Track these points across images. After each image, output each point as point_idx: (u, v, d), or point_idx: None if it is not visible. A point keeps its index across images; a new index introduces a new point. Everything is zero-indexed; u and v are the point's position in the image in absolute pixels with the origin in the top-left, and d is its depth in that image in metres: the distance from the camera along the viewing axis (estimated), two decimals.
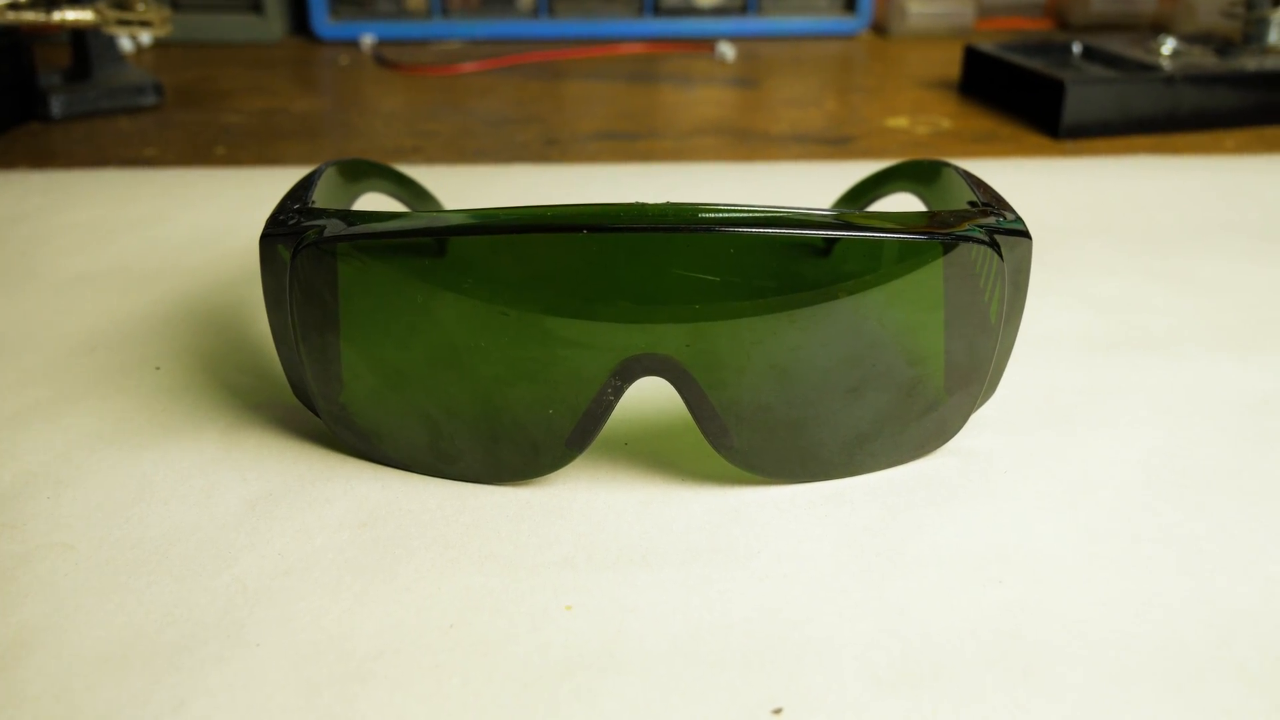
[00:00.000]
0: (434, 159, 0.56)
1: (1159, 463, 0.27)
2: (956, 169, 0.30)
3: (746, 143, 0.60)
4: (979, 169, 0.49)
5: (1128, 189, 0.50)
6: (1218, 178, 0.52)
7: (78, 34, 0.66)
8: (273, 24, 0.91)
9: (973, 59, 0.72)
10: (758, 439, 0.25)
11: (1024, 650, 0.21)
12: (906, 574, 0.23)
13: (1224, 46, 0.68)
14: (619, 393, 0.24)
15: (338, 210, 0.26)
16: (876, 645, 0.21)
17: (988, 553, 0.24)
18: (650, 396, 0.29)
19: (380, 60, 0.83)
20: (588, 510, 0.25)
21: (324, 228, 0.25)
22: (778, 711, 0.19)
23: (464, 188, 0.50)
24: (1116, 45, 0.69)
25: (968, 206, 0.27)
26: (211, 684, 0.20)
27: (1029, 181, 0.51)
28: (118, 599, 0.22)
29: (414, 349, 0.25)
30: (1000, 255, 0.25)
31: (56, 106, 0.63)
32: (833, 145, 0.59)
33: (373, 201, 0.38)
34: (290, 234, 0.25)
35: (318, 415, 0.27)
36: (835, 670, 0.20)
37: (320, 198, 0.28)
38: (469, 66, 0.80)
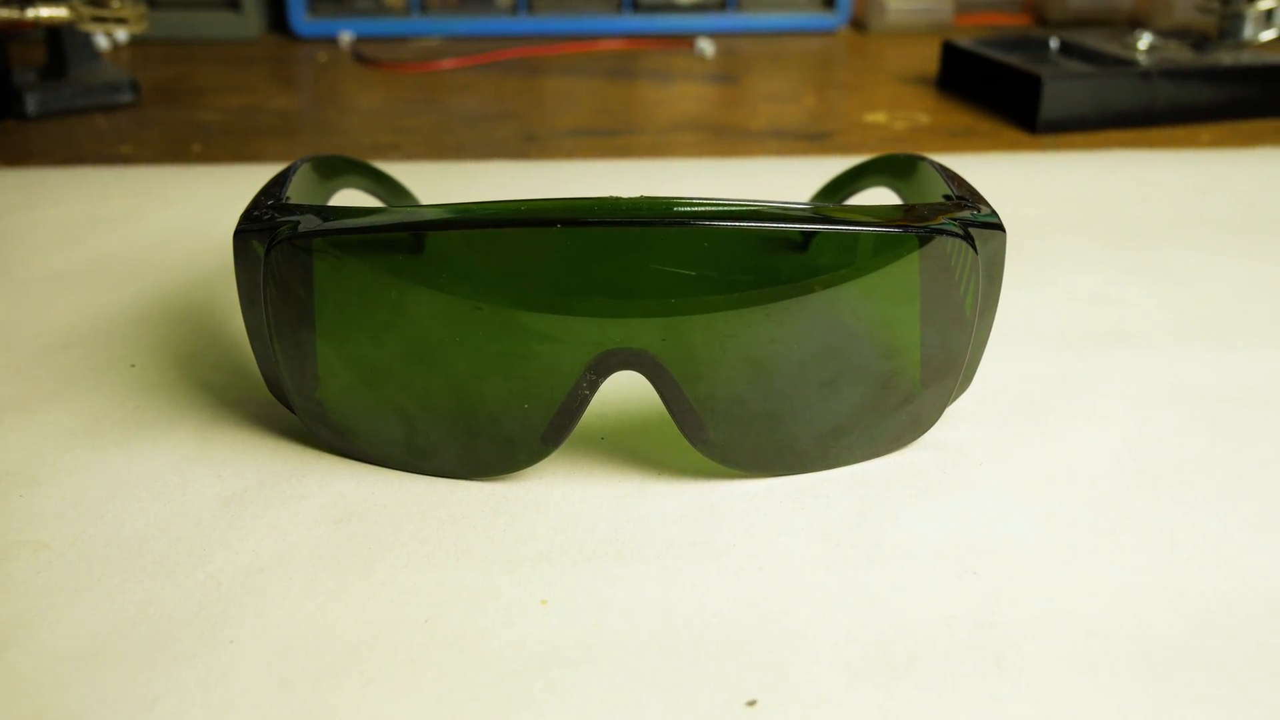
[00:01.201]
0: (412, 156, 0.56)
1: (1133, 454, 0.27)
2: (932, 163, 0.30)
3: (725, 138, 0.60)
4: (957, 164, 0.50)
5: (1104, 183, 0.51)
6: (1193, 171, 0.52)
7: (53, 31, 0.65)
8: (250, 21, 0.90)
9: (951, 55, 0.72)
10: (733, 433, 0.25)
11: (998, 640, 0.21)
12: (882, 566, 0.23)
13: (1200, 41, 0.69)
14: (594, 387, 0.24)
15: (312, 206, 0.26)
16: (851, 637, 0.21)
17: (963, 544, 0.24)
18: (626, 391, 0.29)
19: (358, 57, 0.83)
20: (563, 505, 0.25)
21: (298, 223, 0.24)
22: (752, 704, 0.19)
23: (442, 184, 0.50)
24: (1093, 40, 0.69)
25: (943, 200, 0.27)
26: (185, 681, 0.20)
27: (1006, 176, 0.52)
28: (91, 596, 0.22)
29: (389, 344, 0.25)
30: (974, 248, 0.25)
31: (31, 104, 0.63)
32: (811, 141, 0.59)
33: (349, 198, 0.38)
34: (264, 229, 0.25)
35: (293, 411, 0.27)
36: (810, 662, 0.20)
37: (295, 194, 0.28)
38: (448, 63, 0.80)
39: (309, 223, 0.24)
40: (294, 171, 0.29)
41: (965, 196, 0.27)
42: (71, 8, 0.61)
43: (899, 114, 0.65)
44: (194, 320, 0.35)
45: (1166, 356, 0.33)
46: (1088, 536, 0.24)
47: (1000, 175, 0.52)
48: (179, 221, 0.45)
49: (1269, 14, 0.69)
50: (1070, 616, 0.22)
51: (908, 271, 0.25)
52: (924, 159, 0.31)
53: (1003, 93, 0.65)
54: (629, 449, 0.27)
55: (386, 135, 0.60)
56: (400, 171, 0.48)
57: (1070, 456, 0.27)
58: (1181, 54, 0.65)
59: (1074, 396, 0.30)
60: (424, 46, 0.89)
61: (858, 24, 0.99)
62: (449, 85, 0.74)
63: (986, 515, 0.25)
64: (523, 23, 0.93)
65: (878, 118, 0.65)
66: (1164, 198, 0.48)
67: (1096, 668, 0.20)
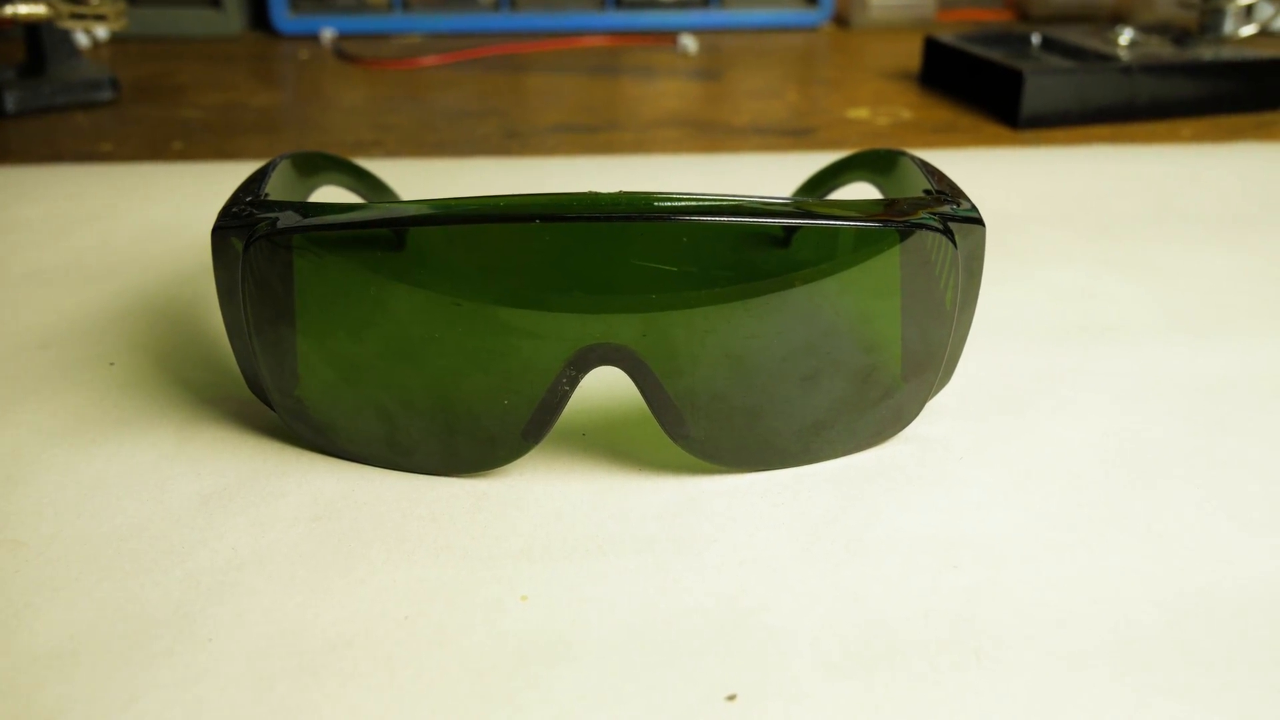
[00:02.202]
0: (394, 152, 0.56)
1: (1113, 446, 0.28)
2: (913, 158, 0.30)
3: (708, 134, 0.60)
4: (939, 159, 0.50)
5: (1086, 178, 0.51)
6: (1174, 166, 0.53)
7: (31, 28, 0.65)
8: (231, 18, 0.90)
9: (933, 50, 0.72)
10: (714, 428, 0.25)
11: (977, 634, 0.21)
12: (862, 560, 0.23)
13: (1181, 36, 0.69)
14: (574, 383, 0.24)
15: (291, 202, 0.25)
16: (831, 631, 0.21)
17: (943, 538, 0.24)
18: (607, 387, 0.29)
19: (340, 54, 0.83)
20: (544, 501, 0.25)
21: (277, 219, 0.24)
22: (732, 698, 0.19)
23: (424, 181, 0.50)
24: (1075, 36, 0.69)
25: (923, 195, 0.27)
26: (163, 679, 0.20)
27: (988, 171, 0.52)
28: (69, 595, 0.22)
29: (369, 341, 0.25)
30: (954, 242, 0.25)
31: (10, 102, 0.62)
32: (793, 136, 0.60)
33: (330, 195, 0.38)
34: (242, 226, 0.25)
35: (273, 409, 0.27)
36: (790, 657, 0.20)
37: (274, 190, 0.28)
38: (430, 60, 0.80)
39: (288, 219, 0.24)
40: (273, 168, 0.29)
41: (945, 191, 0.27)
42: (50, 5, 0.61)
43: (881, 109, 0.65)
44: (174, 318, 0.35)
45: (1148, 350, 0.33)
46: (1068, 530, 0.24)
47: (982, 170, 0.52)
48: (159, 219, 0.45)
49: (1249, 9, 0.70)
50: (1051, 610, 0.22)
51: (888, 266, 0.25)
52: (905, 154, 0.31)
53: (985, 88, 0.65)
54: (609, 445, 0.27)
55: (368, 132, 0.60)
56: (382, 169, 0.48)
57: (1051, 450, 0.27)
58: (1162, 49, 0.66)
59: (1055, 390, 0.30)
60: (406, 43, 0.88)
61: (840, 20, 0.99)
62: (431, 82, 0.74)
63: (967, 509, 0.25)
64: (505, 19, 0.93)
65: (860, 113, 0.65)
66: (1145, 192, 0.49)
67: (1076, 661, 0.20)
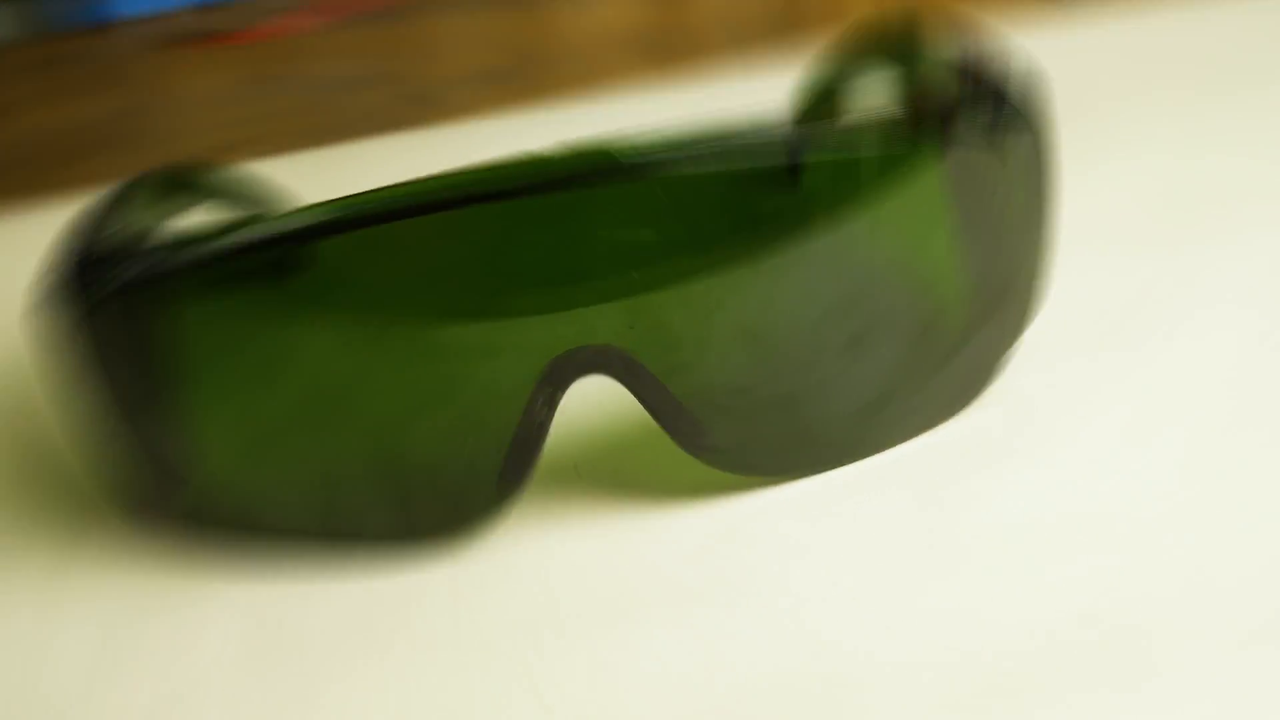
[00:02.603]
0: (267, 150, 0.56)
1: (1252, 376, 0.28)
2: (941, 30, 0.30)
3: (667, 54, 0.60)
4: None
5: (1170, 34, 0.51)
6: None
7: None
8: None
9: None
10: (741, 431, 0.25)
11: (1134, 641, 0.21)
12: (960, 570, 0.23)
13: None
14: (553, 404, 0.24)
15: (143, 242, 0.25)
16: (935, 670, 0.21)
17: (1059, 525, 0.24)
18: (597, 403, 0.29)
19: (184, 35, 0.83)
20: (541, 565, 0.25)
21: (130, 267, 0.24)
22: None
23: (314, 178, 0.49)
24: None
25: (963, 84, 0.27)
26: None
27: (1040, 41, 0.52)
28: None
29: (283, 397, 0.25)
30: (1011, 143, 0.25)
31: None
32: (778, 38, 0.60)
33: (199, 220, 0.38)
34: (80, 290, 0.24)
35: (166, 516, 0.26)
36: (888, 714, 0.20)
37: (116, 231, 0.28)
38: (295, 22, 0.80)
39: (145, 263, 0.24)
40: (112, 204, 0.29)
41: (990, 73, 0.27)
42: None
43: None
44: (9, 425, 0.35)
45: (1272, 241, 0.33)
46: (1211, 491, 0.24)
47: (1032, 41, 0.52)
48: None
49: None
50: (1206, 601, 0.22)
51: (929, 188, 0.25)
52: (929, 26, 0.31)
53: None
54: (613, 477, 0.27)
55: (230, 129, 0.60)
56: (257, 173, 0.48)
57: (1178, 387, 0.27)
58: None
59: (1165, 309, 0.30)
60: (265, 7, 0.88)
61: None
62: (300, 51, 0.74)
63: (1084, 482, 0.25)
64: None
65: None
66: (1246, 43, 0.48)
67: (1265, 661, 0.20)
